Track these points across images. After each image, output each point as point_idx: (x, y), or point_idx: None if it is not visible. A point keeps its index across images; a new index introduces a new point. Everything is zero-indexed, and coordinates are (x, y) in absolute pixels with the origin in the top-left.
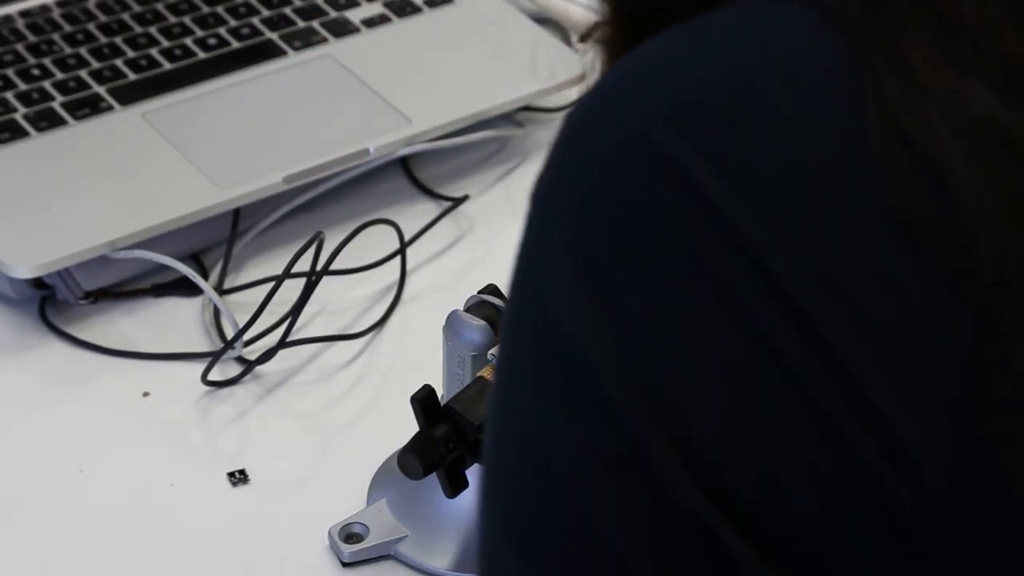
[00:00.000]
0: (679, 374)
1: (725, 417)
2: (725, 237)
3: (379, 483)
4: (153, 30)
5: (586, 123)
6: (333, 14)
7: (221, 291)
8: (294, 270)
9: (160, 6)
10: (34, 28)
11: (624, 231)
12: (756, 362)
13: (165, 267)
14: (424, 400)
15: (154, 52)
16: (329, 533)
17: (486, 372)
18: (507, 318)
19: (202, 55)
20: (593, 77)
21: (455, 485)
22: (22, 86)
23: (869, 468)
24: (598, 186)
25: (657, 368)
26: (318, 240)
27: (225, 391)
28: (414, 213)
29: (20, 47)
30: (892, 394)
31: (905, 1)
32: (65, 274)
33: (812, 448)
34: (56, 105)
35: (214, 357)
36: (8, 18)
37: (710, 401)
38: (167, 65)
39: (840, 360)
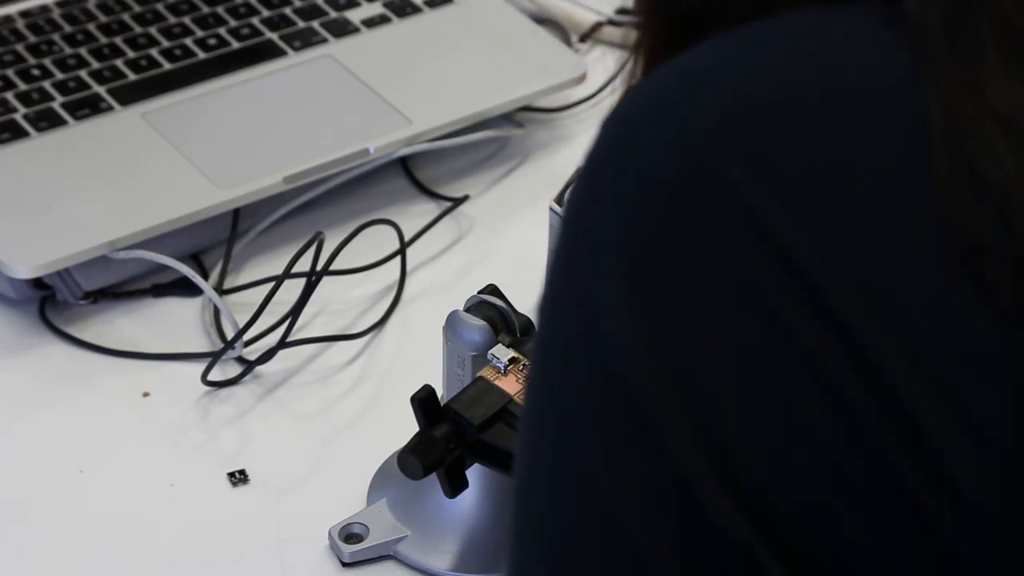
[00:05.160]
0: (730, 405)
1: (775, 447)
2: (778, 261)
3: (379, 483)
4: (153, 30)
5: (627, 133)
6: (333, 14)
7: (221, 291)
8: (294, 270)
9: (160, 6)
10: (34, 28)
11: (674, 256)
12: (808, 392)
13: (165, 267)
14: (424, 400)
15: (154, 52)
16: (329, 533)
17: (486, 372)
18: (545, 336)
19: (202, 55)
20: (627, 83)
21: (455, 485)
22: (22, 86)
23: (919, 503)
24: (645, 203)
25: (707, 398)
26: (318, 240)
27: (225, 391)
28: (414, 213)
29: (20, 47)
30: (944, 428)
31: (982, 16)
32: (65, 274)
33: (861, 480)
34: (56, 105)
35: (214, 357)
36: (8, 18)
37: (761, 432)
38: (167, 65)
39: (894, 390)
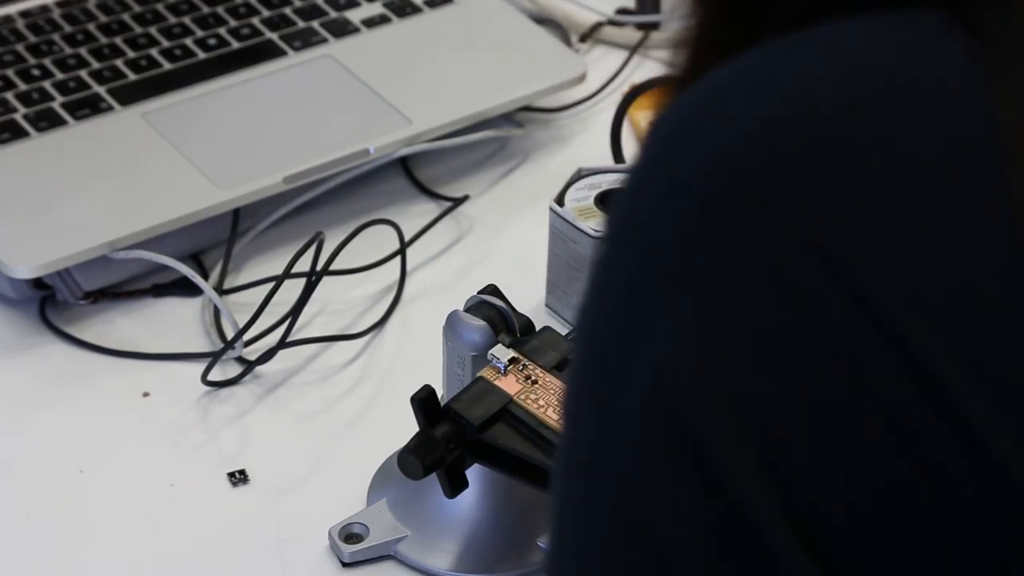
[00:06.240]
0: (793, 439)
1: (842, 482)
2: (844, 295)
3: (379, 483)
4: (153, 30)
5: (673, 143)
6: (333, 14)
7: (221, 291)
8: (294, 270)
9: (160, 6)
10: (34, 28)
11: (736, 284)
12: (877, 425)
13: (165, 267)
14: (424, 400)
15: (154, 52)
16: (329, 533)
17: (486, 372)
18: (587, 359)
19: (202, 55)
20: (671, 73)
21: (455, 485)
22: (22, 86)
23: (995, 542)
24: (699, 225)
25: (770, 434)
26: (318, 240)
27: (225, 391)
28: (414, 213)
29: (20, 47)
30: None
31: None
32: (65, 274)
33: (930, 514)
34: (56, 105)
35: (214, 357)
36: (8, 18)
37: (825, 466)
38: (167, 65)
39: (968, 423)
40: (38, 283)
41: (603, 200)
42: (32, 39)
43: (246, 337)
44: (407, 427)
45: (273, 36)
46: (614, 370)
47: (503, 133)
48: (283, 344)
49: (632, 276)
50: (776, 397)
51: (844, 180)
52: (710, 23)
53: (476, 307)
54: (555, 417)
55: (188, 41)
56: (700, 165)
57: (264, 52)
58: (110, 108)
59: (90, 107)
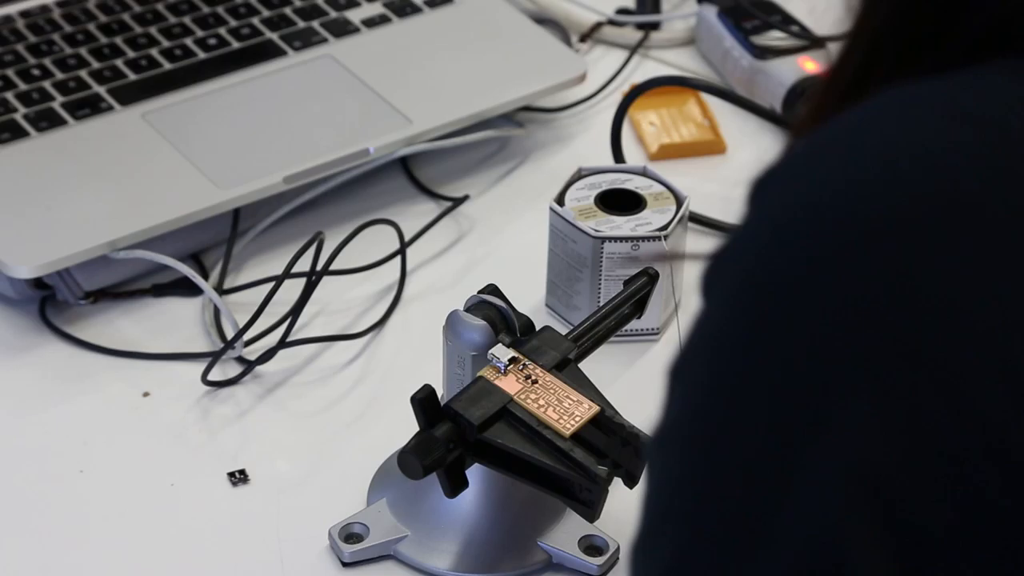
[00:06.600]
0: (910, 491)
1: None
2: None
3: (379, 483)
4: (153, 30)
5: (803, 218)
6: (333, 14)
7: (221, 291)
8: (294, 270)
9: (160, 6)
10: (34, 28)
11: (862, 350)
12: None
13: (165, 267)
14: (424, 400)
15: (154, 52)
16: (329, 533)
17: (486, 372)
18: (702, 420)
19: (202, 55)
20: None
21: (455, 485)
22: (22, 86)
23: None
24: (858, 316)
25: (891, 491)
26: (318, 240)
27: (225, 391)
28: (414, 213)
29: (20, 47)
30: None
31: None
32: (65, 274)
33: None
34: (56, 105)
35: (214, 357)
36: (8, 18)
37: (933, 506)
38: (167, 65)
39: None
40: (38, 283)
41: (603, 200)
42: (32, 39)
43: (246, 337)
44: (407, 427)
45: (273, 36)
46: (728, 432)
47: (503, 133)
48: (283, 344)
49: (792, 373)
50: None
51: (991, 249)
52: (845, 67)
53: (476, 307)
54: (555, 417)
55: (188, 41)
56: (846, 243)
57: (264, 52)
58: (110, 108)
59: (90, 107)
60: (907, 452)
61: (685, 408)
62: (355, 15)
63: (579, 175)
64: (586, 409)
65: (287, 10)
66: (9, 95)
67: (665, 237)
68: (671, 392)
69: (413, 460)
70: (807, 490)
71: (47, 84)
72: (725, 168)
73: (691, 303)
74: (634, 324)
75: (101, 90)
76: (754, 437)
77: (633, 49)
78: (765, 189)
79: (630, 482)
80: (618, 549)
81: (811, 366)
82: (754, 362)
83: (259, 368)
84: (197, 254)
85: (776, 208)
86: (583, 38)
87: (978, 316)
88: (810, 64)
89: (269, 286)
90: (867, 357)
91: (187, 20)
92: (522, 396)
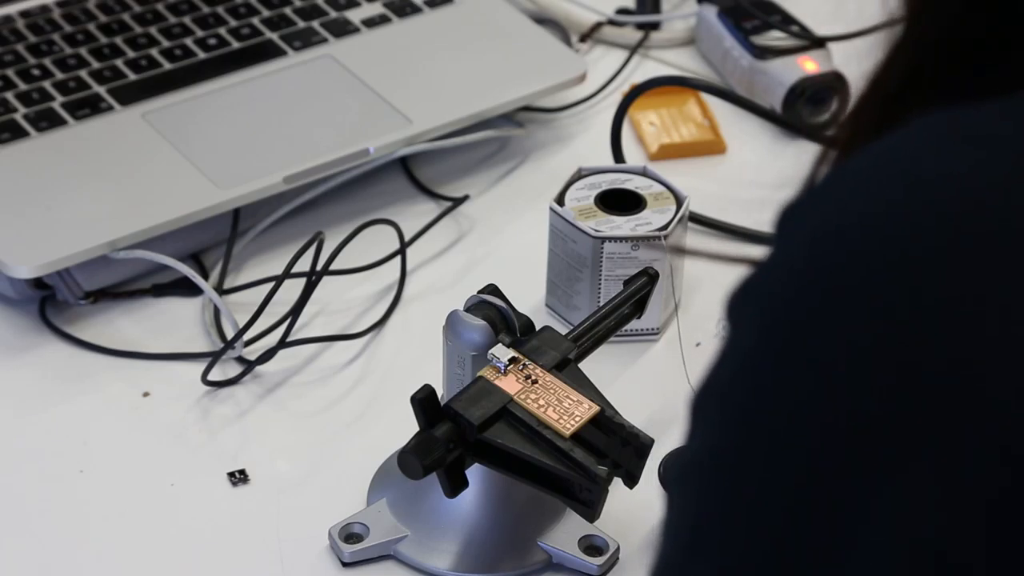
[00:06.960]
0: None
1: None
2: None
3: (379, 483)
4: (153, 30)
5: (841, 260)
6: (333, 14)
7: (221, 291)
8: (294, 270)
9: (160, 6)
10: (34, 28)
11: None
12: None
13: (165, 267)
14: (424, 400)
15: (154, 52)
16: (329, 533)
17: (486, 372)
18: (736, 453)
19: (202, 55)
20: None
21: (455, 485)
22: (22, 86)
23: None
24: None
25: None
26: (318, 240)
27: (225, 391)
28: (414, 213)
29: (20, 47)
30: None
31: None
32: (65, 274)
33: None
34: (56, 105)
35: (214, 357)
36: (8, 18)
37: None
38: (167, 65)
39: None
40: (38, 283)
41: (603, 200)
42: (32, 39)
43: (246, 337)
44: (407, 427)
45: (273, 36)
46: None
47: (503, 133)
48: (283, 344)
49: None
50: None
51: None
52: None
53: (476, 307)
54: (555, 417)
55: (188, 41)
56: (872, 273)
57: (264, 52)
58: (110, 108)
59: (90, 107)
60: (958, 510)
61: (714, 441)
62: (355, 15)
63: (579, 175)
64: (586, 409)
65: (287, 10)
66: (9, 95)
67: (665, 237)
68: (695, 423)
69: (413, 460)
70: (859, 550)
71: (47, 84)
72: (725, 168)
73: (691, 303)
74: (634, 324)
75: (101, 90)
76: (788, 475)
77: (633, 49)
78: (791, 219)
79: (630, 482)
80: (618, 549)
81: (838, 404)
82: (786, 396)
83: (259, 368)
84: (197, 254)
85: (803, 238)
86: (583, 38)
87: (1016, 342)
88: (810, 64)
89: (269, 286)
90: (900, 387)
91: (187, 20)
92: (522, 396)
